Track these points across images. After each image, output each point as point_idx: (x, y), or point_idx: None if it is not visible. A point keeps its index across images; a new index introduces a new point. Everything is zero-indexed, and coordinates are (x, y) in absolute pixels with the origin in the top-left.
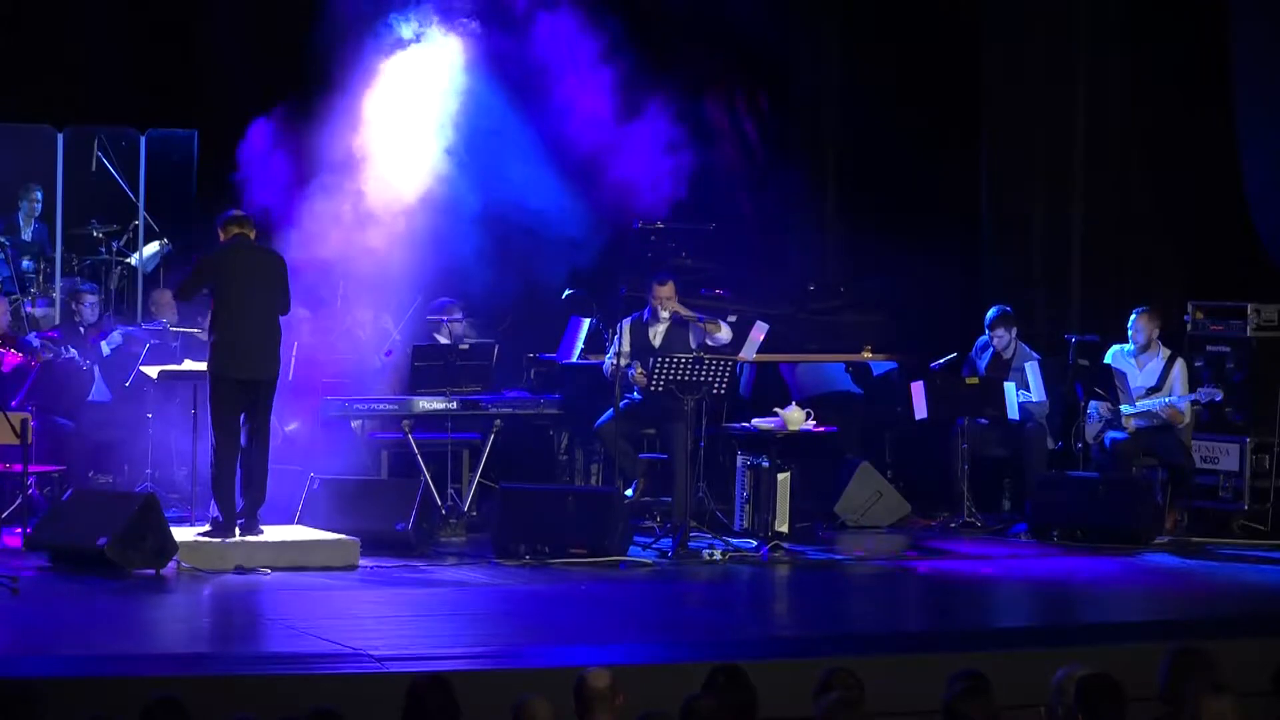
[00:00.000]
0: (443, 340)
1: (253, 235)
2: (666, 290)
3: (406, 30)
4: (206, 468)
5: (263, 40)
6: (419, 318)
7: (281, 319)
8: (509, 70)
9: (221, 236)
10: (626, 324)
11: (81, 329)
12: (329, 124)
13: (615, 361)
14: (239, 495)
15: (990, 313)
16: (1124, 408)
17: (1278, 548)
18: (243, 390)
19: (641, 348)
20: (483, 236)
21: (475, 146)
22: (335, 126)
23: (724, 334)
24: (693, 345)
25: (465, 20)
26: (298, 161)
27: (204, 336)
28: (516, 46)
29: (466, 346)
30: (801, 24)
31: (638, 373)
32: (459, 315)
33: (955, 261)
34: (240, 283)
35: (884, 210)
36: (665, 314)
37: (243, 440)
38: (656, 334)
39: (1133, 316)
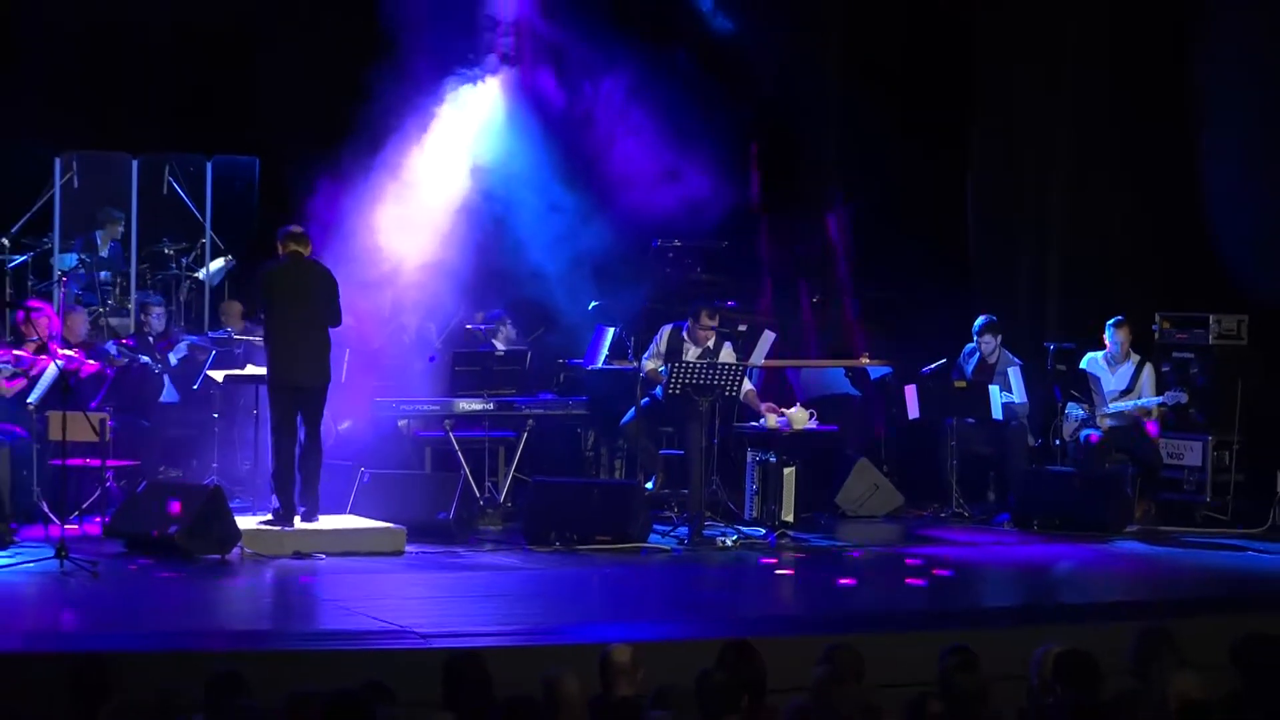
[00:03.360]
0: (499, 345)
1: (308, 252)
2: (713, 321)
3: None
4: (268, 462)
5: (319, 73)
6: (459, 326)
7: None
8: (544, 106)
9: (280, 250)
10: (667, 330)
11: (150, 338)
12: (382, 152)
13: (647, 363)
14: (297, 488)
15: (977, 322)
16: (1098, 409)
17: (1237, 535)
18: (296, 395)
19: (673, 353)
20: (516, 254)
21: (511, 174)
22: (386, 155)
23: (772, 422)
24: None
25: (507, 57)
26: (351, 186)
27: (261, 343)
28: (549, 85)
29: (502, 353)
30: (807, 64)
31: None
32: (509, 325)
33: (945, 276)
34: (291, 298)
35: (880, 228)
36: (701, 346)
37: (300, 438)
38: (689, 350)
39: (1108, 326)
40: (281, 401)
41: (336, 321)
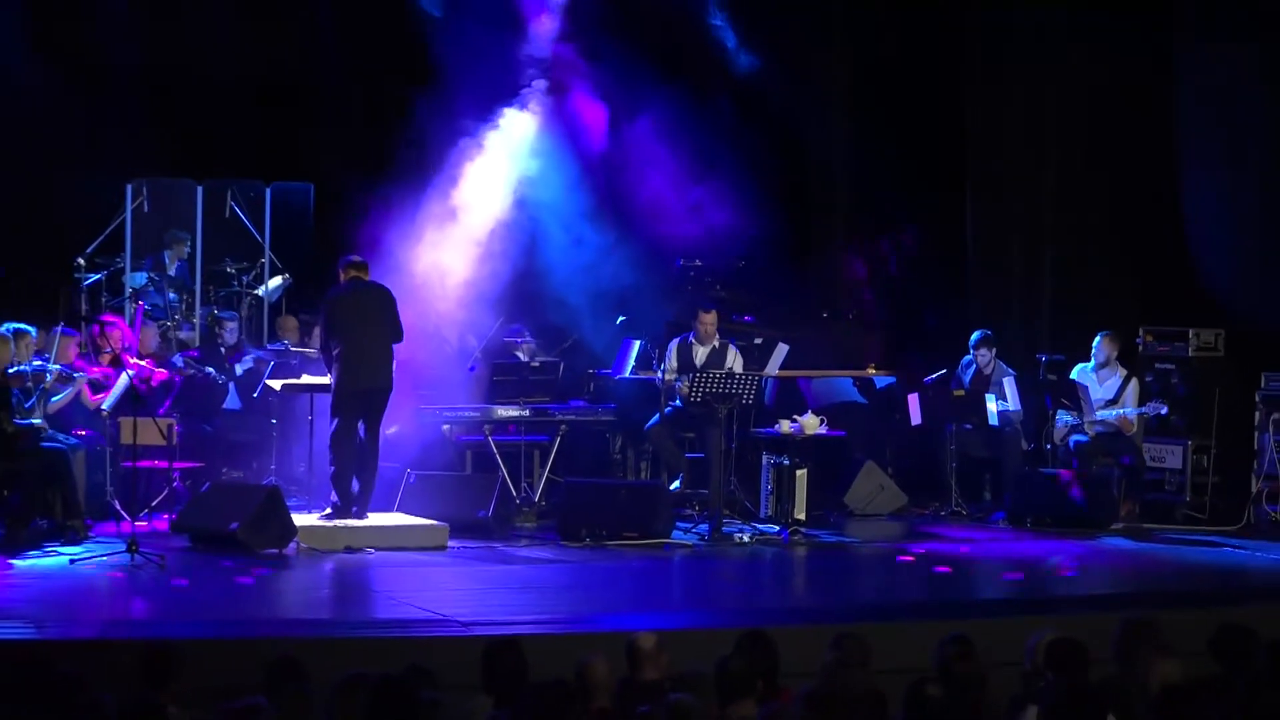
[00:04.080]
0: (523, 357)
1: (367, 276)
2: (710, 317)
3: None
4: (323, 464)
5: (368, 106)
6: (497, 339)
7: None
8: (577, 137)
9: (341, 276)
10: (674, 345)
11: (222, 349)
12: (426, 179)
13: (664, 376)
14: (355, 485)
15: (974, 336)
16: (1086, 416)
17: (1214, 533)
18: (360, 398)
19: (686, 365)
20: (550, 272)
21: (546, 200)
22: (430, 181)
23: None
24: (726, 368)
25: (543, 91)
26: (397, 210)
27: (316, 355)
28: (582, 118)
29: (538, 364)
30: (819, 100)
31: (684, 386)
32: (529, 338)
33: (944, 293)
34: (358, 317)
35: (885, 250)
36: (707, 344)
37: (359, 438)
38: (699, 355)
39: (1097, 338)
40: (347, 407)
41: (399, 336)
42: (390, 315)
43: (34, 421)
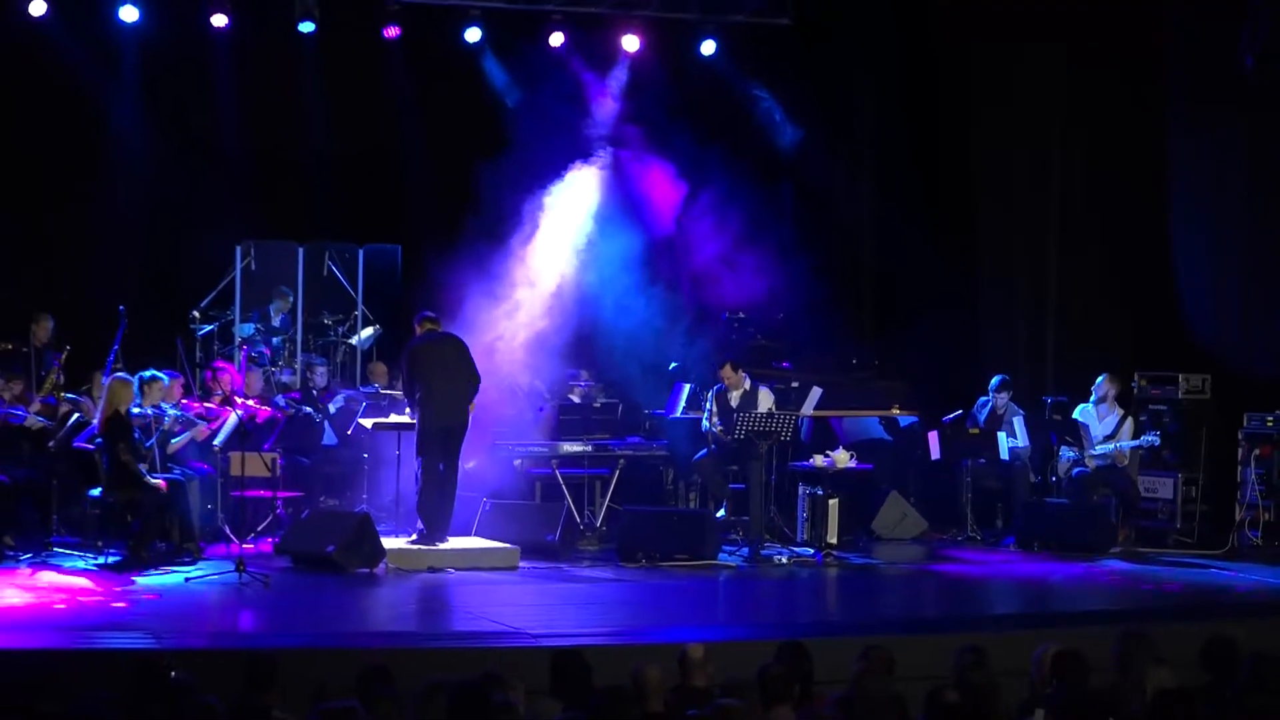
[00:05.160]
0: (574, 399)
1: (439, 328)
2: (725, 370)
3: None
4: (409, 493)
5: (448, 173)
6: (563, 383)
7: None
8: (634, 200)
9: (417, 329)
10: (712, 392)
11: (314, 391)
12: (500, 239)
13: (708, 420)
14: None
15: (994, 380)
16: (1086, 451)
17: (1201, 556)
18: (441, 435)
19: (724, 409)
20: (611, 323)
21: (606, 258)
22: (504, 241)
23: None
24: (759, 409)
25: (606, 157)
26: (475, 267)
27: (401, 397)
28: (639, 182)
29: (599, 405)
30: (843, 160)
31: (719, 431)
32: (584, 381)
33: (959, 340)
34: (435, 362)
35: (905, 300)
36: (738, 390)
37: (441, 471)
38: (734, 399)
39: (1100, 377)
40: (430, 443)
41: (477, 380)
42: (466, 361)
43: (143, 467)
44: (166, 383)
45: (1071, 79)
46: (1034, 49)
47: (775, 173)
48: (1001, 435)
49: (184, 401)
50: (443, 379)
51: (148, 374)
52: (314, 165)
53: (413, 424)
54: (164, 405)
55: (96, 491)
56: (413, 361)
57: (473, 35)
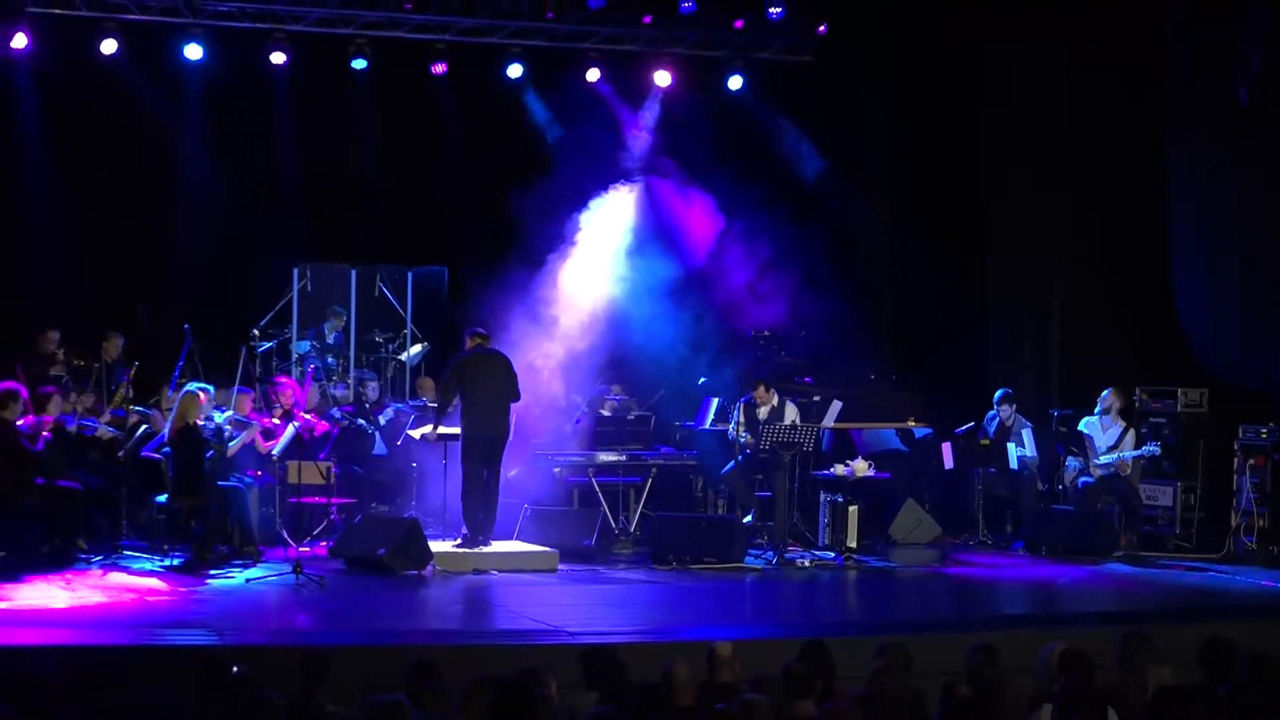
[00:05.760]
0: (605, 412)
1: (487, 344)
2: (759, 390)
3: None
4: (455, 500)
5: (491, 199)
6: (599, 397)
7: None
8: (666, 224)
9: (467, 343)
10: (740, 404)
11: (366, 405)
12: (542, 263)
13: (736, 430)
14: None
15: (997, 394)
16: (1091, 461)
17: (1200, 560)
18: (484, 445)
19: (751, 421)
20: (644, 340)
21: (639, 279)
22: (546, 265)
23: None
24: (785, 421)
25: (640, 182)
26: (517, 289)
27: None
28: (671, 207)
29: (633, 418)
30: (861, 188)
31: (748, 439)
32: (615, 396)
33: (971, 358)
34: (480, 375)
35: (920, 319)
36: (766, 404)
37: (484, 478)
38: (762, 413)
39: (1105, 391)
40: (473, 451)
41: (517, 395)
42: (509, 376)
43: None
44: (211, 393)
45: (1071, 111)
46: (1037, 57)
47: (800, 200)
48: (1011, 446)
49: (251, 414)
50: (487, 392)
51: (194, 387)
52: (366, 193)
53: (459, 435)
54: (216, 414)
55: (163, 498)
56: (459, 372)
57: (514, 71)
